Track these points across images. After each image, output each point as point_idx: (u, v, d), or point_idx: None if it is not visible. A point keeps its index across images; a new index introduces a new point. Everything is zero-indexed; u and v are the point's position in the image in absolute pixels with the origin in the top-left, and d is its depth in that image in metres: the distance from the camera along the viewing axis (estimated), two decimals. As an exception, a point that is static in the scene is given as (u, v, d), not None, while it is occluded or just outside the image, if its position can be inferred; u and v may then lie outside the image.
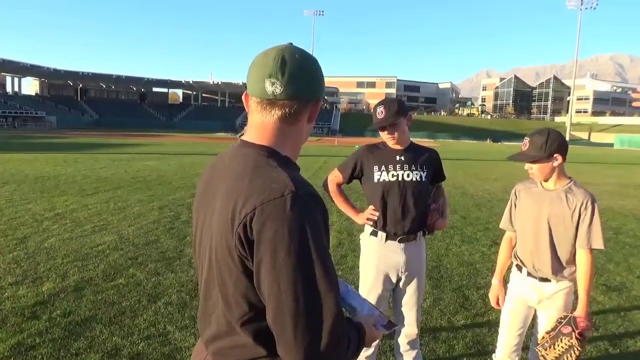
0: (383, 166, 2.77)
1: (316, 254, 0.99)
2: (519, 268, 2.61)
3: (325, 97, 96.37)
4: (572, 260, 2.48)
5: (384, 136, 2.75)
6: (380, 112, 2.67)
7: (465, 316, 4.24)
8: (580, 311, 2.40)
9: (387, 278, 2.81)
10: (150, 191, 10.48)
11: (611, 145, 58.39)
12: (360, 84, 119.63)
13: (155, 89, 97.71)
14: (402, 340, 2.93)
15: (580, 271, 2.42)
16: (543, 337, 2.47)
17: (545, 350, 2.42)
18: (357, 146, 2.99)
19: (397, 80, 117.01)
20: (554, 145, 2.40)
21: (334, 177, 2.98)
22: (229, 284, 1.08)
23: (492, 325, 3.88)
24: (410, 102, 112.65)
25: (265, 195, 1.01)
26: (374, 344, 2.85)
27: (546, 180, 2.49)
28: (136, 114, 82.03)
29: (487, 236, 7.25)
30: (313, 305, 0.98)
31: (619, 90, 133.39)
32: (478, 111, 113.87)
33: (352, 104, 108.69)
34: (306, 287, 0.98)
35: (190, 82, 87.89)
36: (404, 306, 2.89)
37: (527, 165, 2.46)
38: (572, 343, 2.34)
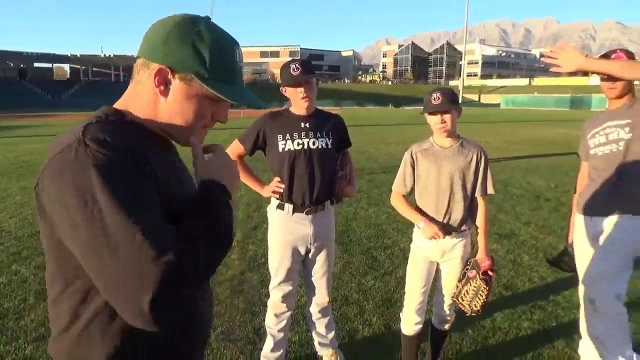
0: (288, 134, 2.65)
1: (113, 201, 0.87)
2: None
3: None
4: (470, 210, 2.61)
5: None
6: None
7: (374, 276, 4.36)
8: (481, 253, 2.58)
9: (295, 251, 2.75)
10: (35, 177, 9.47)
11: (498, 105, 63.45)
12: (264, 54, 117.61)
13: (37, 64, 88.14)
14: (314, 309, 2.92)
15: (480, 217, 2.62)
16: (456, 287, 2.60)
17: (460, 297, 2.56)
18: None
19: (301, 49, 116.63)
20: (457, 99, 2.55)
21: (235, 149, 2.80)
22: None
23: (399, 283, 4.02)
24: (315, 71, 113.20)
25: (56, 149, 0.95)
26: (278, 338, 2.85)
27: (451, 134, 2.55)
28: (16, 92, 73.42)
29: (392, 197, 7.52)
30: (122, 260, 0.86)
31: (503, 54, 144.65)
32: (380, 78, 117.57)
33: (257, 74, 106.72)
34: (108, 241, 0.86)
35: (78, 55, 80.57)
36: (314, 276, 2.86)
37: (440, 118, 2.48)
38: (478, 284, 2.50)
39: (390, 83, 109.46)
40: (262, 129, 2.70)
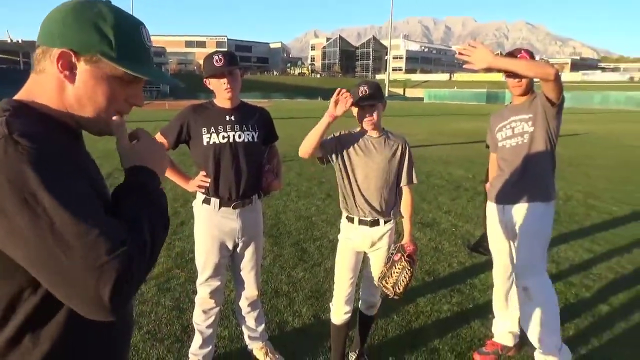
0: (212, 128, 2.60)
1: (56, 199, 0.83)
2: (350, 220, 2.70)
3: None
4: (396, 199, 2.71)
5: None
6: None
7: (304, 268, 4.41)
8: (406, 238, 2.69)
9: (223, 246, 2.72)
10: None
11: (422, 99, 66.09)
12: (189, 44, 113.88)
13: None
14: (243, 303, 2.91)
15: (405, 205, 2.72)
16: (381, 271, 2.69)
17: (385, 280, 2.65)
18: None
19: (228, 39, 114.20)
20: (382, 93, 2.64)
21: None
22: None
23: (329, 274, 4.11)
24: (243, 62, 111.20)
25: None
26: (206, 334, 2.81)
27: (377, 127, 2.62)
28: None
29: (321, 190, 7.63)
30: (78, 257, 0.83)
31: (426, 50, 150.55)
32: (308, 70, 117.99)
33: (182, 65, 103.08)
34: (59, 240, 0.83)
35: (-21, 40, 73.01)
36: (242, 270, 2.84)
37: (367, 111, 2.53)
38: (403, 266, 2.61)
39: (318, 76, 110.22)
40: (186, 122, 2.64)
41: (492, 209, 3.06)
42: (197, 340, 2.84)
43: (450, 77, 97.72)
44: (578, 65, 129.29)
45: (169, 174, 2.76)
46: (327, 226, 5.70)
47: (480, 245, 3.21)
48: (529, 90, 2.84)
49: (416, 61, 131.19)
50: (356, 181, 2.65)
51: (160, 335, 3.19)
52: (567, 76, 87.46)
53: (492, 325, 3.24)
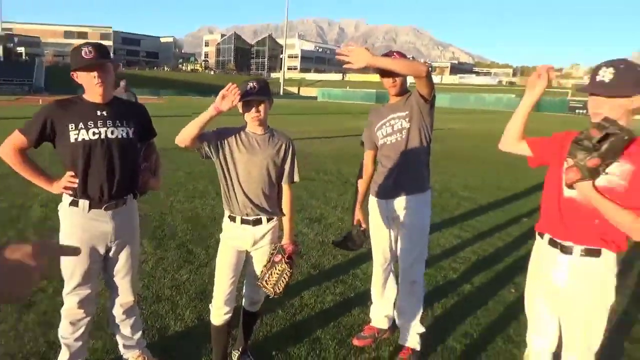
0: (81, 123, 2.42)
1: None
2: (232, 219, 2.67)
3: (22, 46, 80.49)
4: (277, 197, 2.73)
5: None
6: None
7: (189, 270, 4.30)
8: (286, 239, 2.70)
9: (93, 250, 2.55)
10: None
11: (316, 98, 67.57)
12: (68, 34, 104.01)
13: None
14: (117, 310, 2.76)
15: (285, 204, 2.72)
16: (262, 271, 2.68)
17: (265, 280, 2.65)
18: None
19: (114, 31, 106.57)
20: (269, 90, 2.65)
21: (16, 142, 2.45)
22: None
23: (214, 275, 4.03)
24: (131, 57, 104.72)
25: None
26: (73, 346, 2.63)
27: (263, 124, 2.61)
28: None
29: (212, 189, 7.46)
30: None
31: (320, 50, 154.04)
32: (202, 67, 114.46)
33: (60, 57, 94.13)
34: None
35: None
36: (116, 275, 2.70)
37: (255, 108, 2.53)
38: (283, 268, 2.63)
39: (212, 73, 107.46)
40: (50, 118, 2.43)
41: (374, 204, 3.19)
42: (64, 354, 2.64)
43: (343, 77, 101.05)
44: (456, 69, 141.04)
45: (29, 176, 2.53)
46: (216, 226, 5.59)
47: (348, 241, 3.33)
48: (404, 90, 3.01)
49: (311, 61, 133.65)
50: (238, 179, 2.62)
51: (22, 355, 2.91)
52: (447, 79, 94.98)
53: (370, 311, 3.43)
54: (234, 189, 2.64)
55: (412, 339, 3.08)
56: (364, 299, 3.75)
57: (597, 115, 1.90)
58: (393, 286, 3.30)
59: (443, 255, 4.98)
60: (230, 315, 2.77)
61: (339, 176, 9.13)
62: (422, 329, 3.11)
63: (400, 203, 3.03)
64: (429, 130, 3.00)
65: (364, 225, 3.31)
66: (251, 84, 2.53)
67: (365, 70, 2.92)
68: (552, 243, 2.10)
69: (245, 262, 2.79)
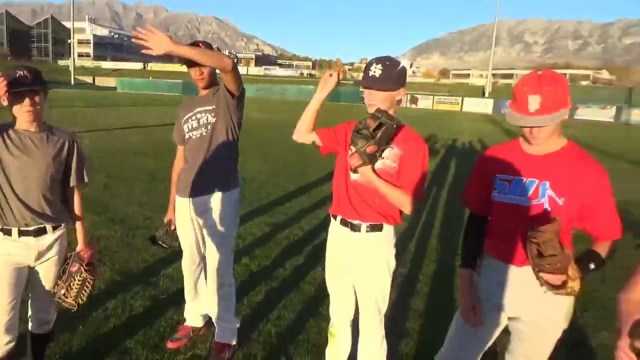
0: None
1: None
2: (7, 232, 2.29)
3: None
4: (67, 201, 2.45)
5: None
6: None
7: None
8: (81, 245, 2.46)
9: None
10: None
11: (115, 88, 62.02)
12: None
13: None
14: None
15: (77, 207, 2.49)
16: (56, 285, 2.38)
17: (63, 295, 2.36)
18: None
19: None
20: (43, 79, 2.30)
21: None
22: None
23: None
24: None
25: None
26: None
27: (38, 119, 2.27)
28: None
29: None
30: None
31: (117, 36, 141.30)
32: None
33: None
34: None
35: None
36: None
37: (27, 101, 2.18)
38: (84, 277, 2.37)
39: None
40: None
41: (180, 203, 3.02)
42: None
43: (145, 66, 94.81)
44: (261, 60, 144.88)
45: None
46: None
47: (160, 238, 3.18)
48: (213, 82, 2.89)
49: (106, 48, 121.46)
50: (11, 185, 2.23)
51: None
52: (252, 70, 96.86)
53: (184, 311, 3.31)
54: (5, 198, 2.25)
55: (229, 335, 3.07)
56: (176, 300, 3.60)
57: (372, 107, 2.15)
58: (205, 284, 3.21)
59: (255, 243, 5.09)
60: (13, 344, 2.36)
61: (143, 172, 8.55)
62: (238, 323, 3.13)
63: (204, 202, 2.91)
64: (237, 126, 2.92)
65: (173, 226, 3.15)
66: (21, 72, 2.17)
67: (169, 59, 2.72)
68: (344, 223, 2.31)
69: (28, 279, 2.41)
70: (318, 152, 2.47)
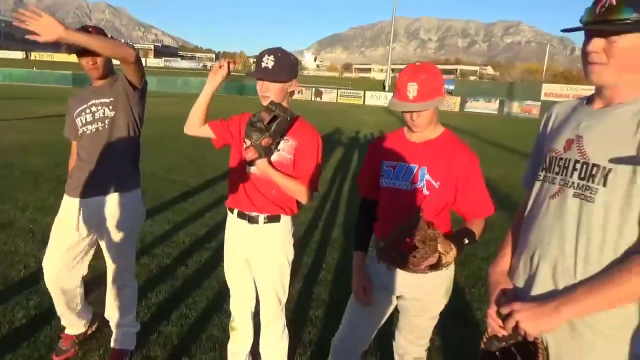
0: None
1: None
2: None
3: None
4: None
5: None
6: None
7: None
8: None
9: None
10: None
11: (-8, 79, 55.59)
12: None
13: None
14: None
15: None
16: None
17: None
18: None
19: None
20: None
21: None
22: None
23: None
24: None
25: None
26: None
27: None
28: None
29: None
30: None
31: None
32: None
33: None
34: None
35: None
36: None
37: None
38: None
39: None
40: None
41: (68, 203, 2.73)
42: None
43: (27, 55, 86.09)
44: (161, 52, 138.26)
45: None
46: None
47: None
48: (109, 72, 2.67)
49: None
50: None
51: None
52: (151, 62, 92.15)
53: (62, 320, 2.98)
54: None
55: (128, 340, 2.93)
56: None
57: (265, 98, 2.17)
58: (81, 293, 2.93)
59: (156, 242, 4.89)
60: None
61: (29, 171, 7.79)
62: (138, 327, 3.00)
63: (98, 203, 2.68)
64: (138, 121, 2.74)
65: None
66: None
67: (56, 47, 2.41)
68: (241, 215, 2.31)
69: None
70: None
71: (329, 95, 44.75)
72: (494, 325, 1.47)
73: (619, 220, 1.28)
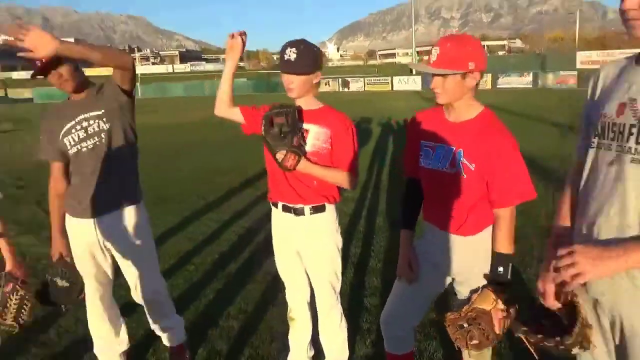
0: None
1: None
2: None
3: None
4: None
5: None
6: None
7: None
8: (10, 263, 2.22)
9: None
10: None
11: (31, 100, 57.93)
12: None
13: None
14: None
15: None
16: None
17: (1, 318, 2.22)
18: None
19: None
20: None
21: None
22: None
23: None
24: None
25: None
26: None
27: None
28: None
29: None
30: None
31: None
32: None
33: None
34: None
35: None
36: None
37: None
38: (21, 294, 2.23)
39: None
40: None
41: (82, 226, 2.51)
42: None
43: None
44: (185, 57, 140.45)
45: None
46: None
47: (52, 293, 2.69)
48: (84, 82, 2.43)
49: (15, 56, 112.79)
50: None
51: None
52: (178, 67, 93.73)
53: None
54: None
55: (179, 334, 2.91)
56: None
57: (291, 90, 2.20)
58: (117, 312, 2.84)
59: (206, 241, 5.03)
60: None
61: None
62: (182, 320, 2.96)
63: (117, 218, 2.52)
64: (133, 129, 2.57)
65: (68, 258, 2.59)
66: None
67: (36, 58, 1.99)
68: (286, 209, 2.35)
69: None
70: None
71: (356, 85, 44.43)
72: (543, 286, 1.45)
73: None
